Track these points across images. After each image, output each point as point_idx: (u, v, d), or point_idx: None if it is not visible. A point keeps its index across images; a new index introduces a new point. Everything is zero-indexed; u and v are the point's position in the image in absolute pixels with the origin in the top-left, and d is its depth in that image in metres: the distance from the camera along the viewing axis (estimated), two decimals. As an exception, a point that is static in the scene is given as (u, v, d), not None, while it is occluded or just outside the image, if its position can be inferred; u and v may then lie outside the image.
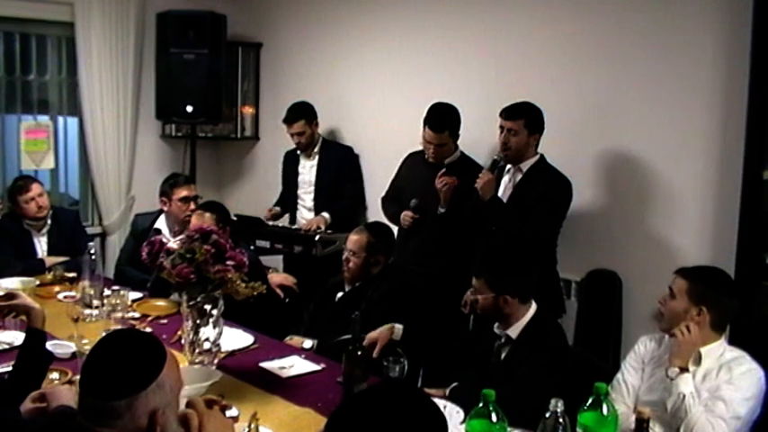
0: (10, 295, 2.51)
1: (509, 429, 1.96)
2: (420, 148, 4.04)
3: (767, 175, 3.15)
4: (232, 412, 2.18)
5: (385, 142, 4.72)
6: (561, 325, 2.95)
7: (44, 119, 5.29)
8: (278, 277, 4.20)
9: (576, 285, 3.90)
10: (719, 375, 2.34)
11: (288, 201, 4.95)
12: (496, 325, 2.71)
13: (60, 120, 5.39)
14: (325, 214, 4.67)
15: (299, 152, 4.87)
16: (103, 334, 1.75)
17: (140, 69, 5.39)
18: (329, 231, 4.49)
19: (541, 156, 3.59)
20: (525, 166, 3.59)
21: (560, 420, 1.85)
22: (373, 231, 3.49)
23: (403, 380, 2.45)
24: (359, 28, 4.96)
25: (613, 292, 3.72)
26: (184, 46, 5.10)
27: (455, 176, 3.79)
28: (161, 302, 3.50)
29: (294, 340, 3.26)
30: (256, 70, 5.76)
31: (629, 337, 3.59)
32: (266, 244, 4.56)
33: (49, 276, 3.87)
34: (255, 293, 2.62)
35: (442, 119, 3.89)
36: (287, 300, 4.10)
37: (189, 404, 1.72)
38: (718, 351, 2.40)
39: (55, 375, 2.53)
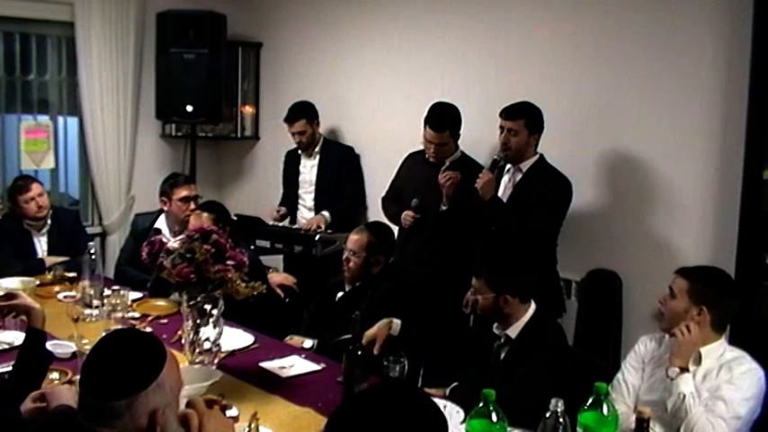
0: (10, 295, 2.51)
1: (509, 429, 1.96)
2: (420, 147, 4.04)
3: (767, 174, 3.15)
4: (232, 412, 2.18)
5: (385, 142, 4.73)
6: (561, 325, 2.95)
7: (44, 119, 5.29)
8: (278, 277, 4.20)
9: (576, 285, 3.90)
10: (720, 375, 2.34)
11: (289, 200, 4.95)
12: (495, 325, 2.71)
13: (60, 119, 5.39)
14: (326, 213, 4.67)
15: (300, 152, 4.87)
16: (103, 334, 1.75)
17: (140, 69, 5.39)
18: (329, 231, 4.49)
19: (541, 155, 3.59)
20: (525, 165, 3.59)
21: (560, 420, 1.85)
22: (373, 231, 3.49)
23: (403, 380, 2.45)
24: (359, 28, 4.96)
25: (613, 292, 3.72)
26: (184, 46, 5.10)
27: (459, 173, 3.78)
28: (161, 302, 3.50)
29: (294, 340, 3.26)
30: (256, 70, 5.77)
31: (629, 336, 3.59)
32: (266, 244, 4.56)
33: (49, 276, 3.87)
34: (255, 293, 2.62)
35: (443, 118, 3.89)
36: (287, 299, 4.10)
37: (189, 404, 1.72)
38: (718, 351, 2.40)
39: (55, 375, 2.53)
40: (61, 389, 2.19)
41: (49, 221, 4.31)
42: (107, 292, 3.17)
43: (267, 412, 2.30)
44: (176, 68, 5.12)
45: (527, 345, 2.61)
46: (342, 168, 4.81)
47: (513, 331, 2.66)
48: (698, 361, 2.38)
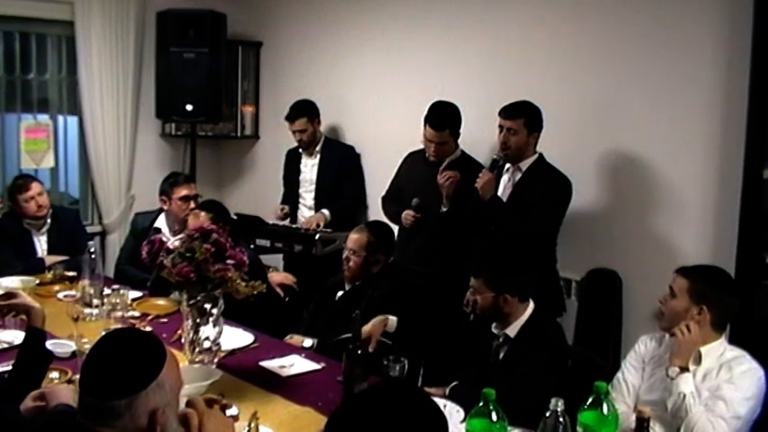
0: (10, 294, 2.51)
1: (509, 428, 1.96)
2: (420, 147, 4.04)
3: (767, 174, 3.15)
4: (232, 411, 2.18)
5: (385, 141, 4.72)
6: (560, 323, 2.96)
7: (44, 118, 5.28)
8: (278, 276, 4.20)
9: (576, 284, 3.90)
10: (720, 375, 2.34)
11: (289, 199, 4.95)
12: (494, 325, 2.72)
13: (60, 119, 5.38)
14: (325, 211, 4.67)
15: (300, 150, 4.87)
16: (103, 333, 1.75)
17: (140, 68, 5.39)
18: (329, 230, 4.48)
19: (540, 155, 3.59)
20: (524, 165, 3.59)
21: (560, 419, 1.85)
22: (374, 230, 3.49)
23: (403, 379, 2.45)
24: (359, 27, 4.96)
25: (613, 292, 3.72)
26: (184, 45, 5.09)
27: (458, 172, 3.77)
28: (161, 301, 3.50)
29: (294, 339, 3.26)
30: (256, 69, 5.76)
31: (629, 336, 3.59)
32: (266, 243, 4.55)
33: (48, 275, 3.87)
34: (255, 292, 2.62)
35: (443, 117, 3.89)
36: (287, 299, 4.10)
37: (189, 403, 1.71)
38: (718, 350, 2.40)
39: (55, 374, 2.53)
40: (61, 388, 2.18)
41: (48, 221, 4.30)
42: (107, 291, 3.17)
43: (267, 411, 2.30)
44: (176, 67, 5.12)
45: (526, 344, 2.61)
46: (342, 168, 4.81)
47: (512, 330, 2.66)
48: (698, 360, 2.38)
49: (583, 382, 2.14)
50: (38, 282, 3.72)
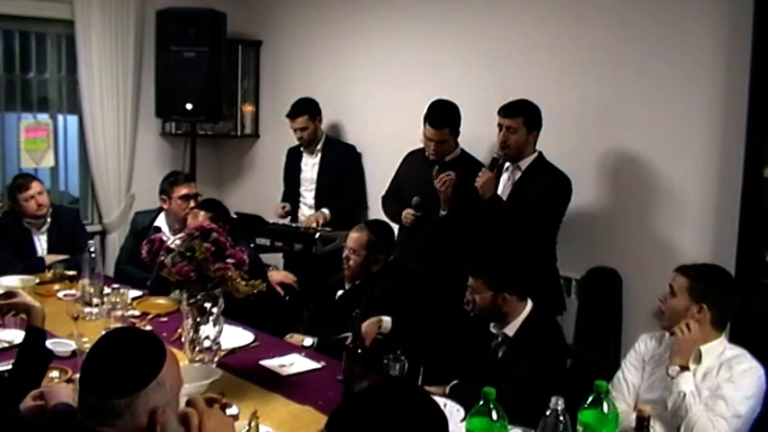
0: (10, 293, 2.51)
1: (509, 427, 1.96)
2: (420, 146, 4.04)
3: (767, 172, 3.15)
4: (232, 410, 2.18)
5: (385, 140, 4.72)
6: (559, 322, 2.96)
7: (44, 117, 5.28)
8: (278, 275, 4.20)
9: (576, 283, 3.90)
10: (720, 374, 2.34)
11: (290, 198, 4.95)
12: (493, 324, 2.72)
13: (60, 118, 5.38)
14: (325, 210, 4.67)
15: (301, 149, 4.86)
16: (103, 332, 1.75)
17: (140, 67, 5.39)
18: (329, 229, 4.48)
19: (540, 153, 3.59)
20: (524, 163, 3.59)
21: (561, 418, 1.85)
22: (374, 229, 3.49)
23: (403, 378, 2.45)
24: (359, 26, 4.96)
25: (614, 290, 3.72)
26: (184, 44, 5.09)
27: (453, 172, 3.75)
28: (161, 300, 3.50)
29: (294, 338, 3.26)
30: (256, 68, 5.76)
31: (629, 335, 3.59)
32: (266, 242, 4.55)
33: (48, 274, 3.87)
34: (255, 291, 2.62)
35: (443, 115, 3.89)
36: (287, 298, 4.10)
37: (189, 402, 1.71)
38: (718, 349, 2.40)
39: (55, 374, 2.53)
40: (61, 387, 2.19)
41: (48, 220, 4.30)
42: (107, 290, 3.17)
43: (267, 410, 2.31)
44: (176, 66, 5.12)
45: (525, 343, 2.62)
46: (343, 167, 4.80)
47: (511, 329, 2.67)
48: (698, 359, 2.38)
49: (583, 380, 2.14)
50: (38, 281, 3.72)
